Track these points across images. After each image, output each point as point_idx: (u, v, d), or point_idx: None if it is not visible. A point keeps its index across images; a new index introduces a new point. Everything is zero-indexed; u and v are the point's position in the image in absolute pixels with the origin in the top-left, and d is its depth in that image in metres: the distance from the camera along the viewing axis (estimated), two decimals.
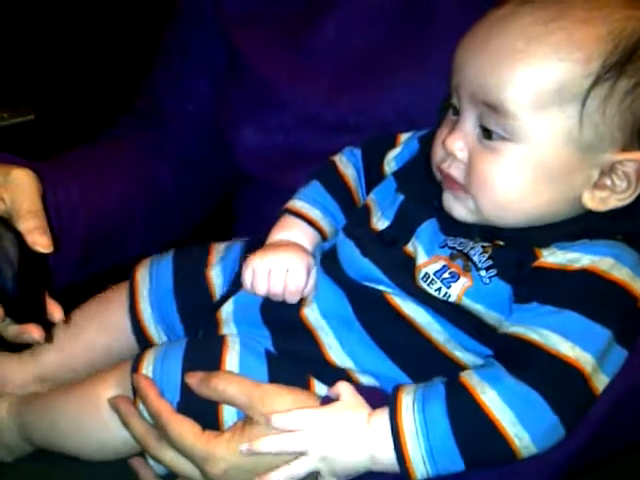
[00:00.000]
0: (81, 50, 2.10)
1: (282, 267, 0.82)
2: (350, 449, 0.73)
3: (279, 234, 0.88)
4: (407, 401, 0.73)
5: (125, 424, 0.82)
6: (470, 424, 0.71)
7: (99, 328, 0.94)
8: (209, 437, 0.76)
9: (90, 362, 0.93)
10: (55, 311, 0.83)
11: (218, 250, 0.94)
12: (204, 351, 0.83)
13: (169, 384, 0.81)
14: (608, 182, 0.74)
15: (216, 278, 0.91)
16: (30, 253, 0.81)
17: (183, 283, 0.92)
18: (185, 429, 0.77)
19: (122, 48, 2.07)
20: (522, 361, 0.72)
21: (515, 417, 0.70)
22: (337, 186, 0.92)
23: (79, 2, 2.09)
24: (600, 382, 0.72)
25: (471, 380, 0.72)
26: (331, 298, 0.83)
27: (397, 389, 0.74)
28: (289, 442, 0.73)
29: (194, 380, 0.79)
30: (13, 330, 0.82)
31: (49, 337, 0.84)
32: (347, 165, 0.93)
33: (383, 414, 0.73)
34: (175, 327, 0.92)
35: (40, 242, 0.81)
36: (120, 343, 0.94)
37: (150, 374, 0.81)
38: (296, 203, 0.91)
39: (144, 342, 0.93)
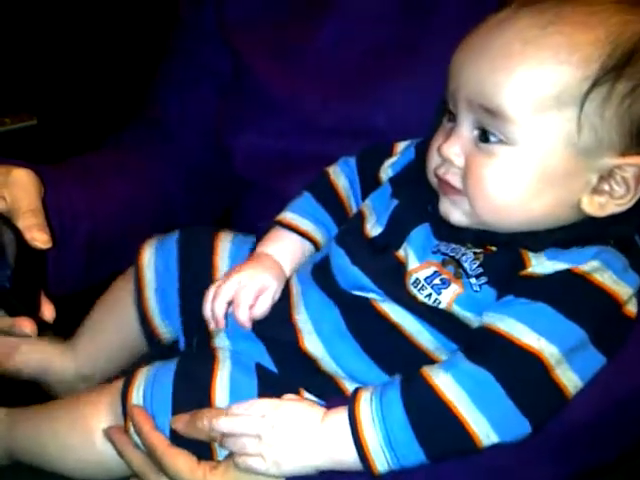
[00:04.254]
0: (83, 55, 2.10)
1: (235, 280, 0.84)
2: (303, 444, 0.72)
3: (263, 247, 0.88)
4: (366, 394, 0.73)
5: (121, 455, 0.81)
6: (424, 409, 0.70)
7: (113, 323, 0.95)
8: (205, 470, 0.76)
9: (116, 358, 0.94)
10: (47, 309, 0.84)
11: (226, 241, 0.94)
12: (194, 372, 0.82)
13: (160, 408, 0.80)
14: (607, 187, 0.73)
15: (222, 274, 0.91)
16: (28, 251, 0.83)
17: (188, 278, 0.92)
18: (180, 463, 0.77)
19: (124, 53, 2.08)
20: (483, 347, 0.71)
21: (470, 399, 0.69)
22: (328, 197, 0.91)
23: (81, 7, 2.10)
24: (567, 378, 0.71)
25: (429, 368, 0.72)
26: (321, 308, 0.82)
27: (359, 388, 0.74)
28: (244, 424, 0.73)
29: (180, 425, 0.78)
30: (5, 322, 0.83)
31: (41, 333, 0.85)
32: (339, 175, 0.92)
33: (341, 410, 0.73)
34: (175, 325, 0.93)
35: (38, 238, 0.82)
36: (134, 336, 0.94)
37: (141, 398, 0.81)
38: (286, 215, 0.90)
39: (152, 340, 0.93)
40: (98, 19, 2.11)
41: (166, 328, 0.93)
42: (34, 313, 0.83)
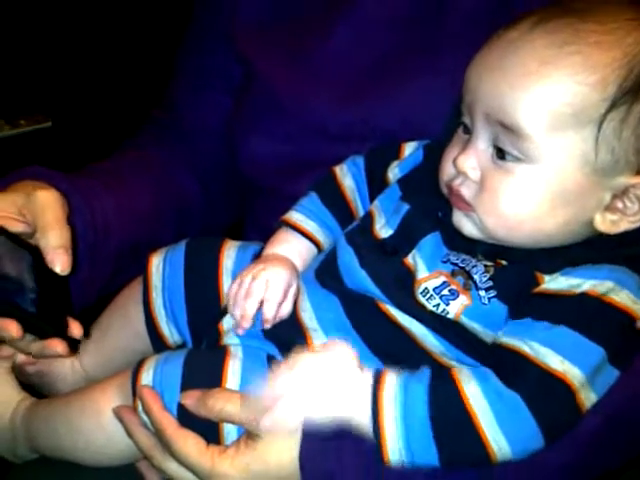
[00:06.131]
0: (97, 57, 2.11)
1: (263, 278, 0.83)
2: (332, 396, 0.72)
3: (273, 248, 0.88)
4: (390, 379, 0.72)
5: (129, 434, 0.81)
6: (448, 413, 0.70)
7: (120, 326, 0.95)
8: (213, 453, 0.76)
9: (122, 362, 0.93)
10: (75, 327, 0.84)
11: (232, 248, 0.93)
12: (206, 357, 0.83)
13: (169, 389, 0.80)
14: (620, 205, 0.74)
15: (227, 279, 0.91)
16: (50, 271, 0.82)
17: (194, 282, 0.92)
18: (189, 445, 0.76)
19: (138, 55, 2.08)
20: (510, 370, 0.71)
21: (494, 416, 0.69)
22: (333, 197, 0.91)
23: (96, 10, 2.11)
24: (588, 399, 0.71)
25: (459, 372, 0.72)
26: (324, 304, 0.82)
27: (382, 369, 0.74)
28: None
29: (190, 401, 0.78)
30: (37, 346, 0.83)
31: (73, 351, 0.85)
32: (346, 175, 0.92)
33: (369, 377, 0.73)
34: (182, 329, 0.92)
35: (59, 262, 0.81)
36: (141, 340, 0.94)
37: (150, 380, 0.81)
38: (292, 215, 0.91)
39: (157, 342, 0.93)
40: (113, 20, 2.12)
41: (171, 331, 0.93)
42: (63, 332, 0.82)
